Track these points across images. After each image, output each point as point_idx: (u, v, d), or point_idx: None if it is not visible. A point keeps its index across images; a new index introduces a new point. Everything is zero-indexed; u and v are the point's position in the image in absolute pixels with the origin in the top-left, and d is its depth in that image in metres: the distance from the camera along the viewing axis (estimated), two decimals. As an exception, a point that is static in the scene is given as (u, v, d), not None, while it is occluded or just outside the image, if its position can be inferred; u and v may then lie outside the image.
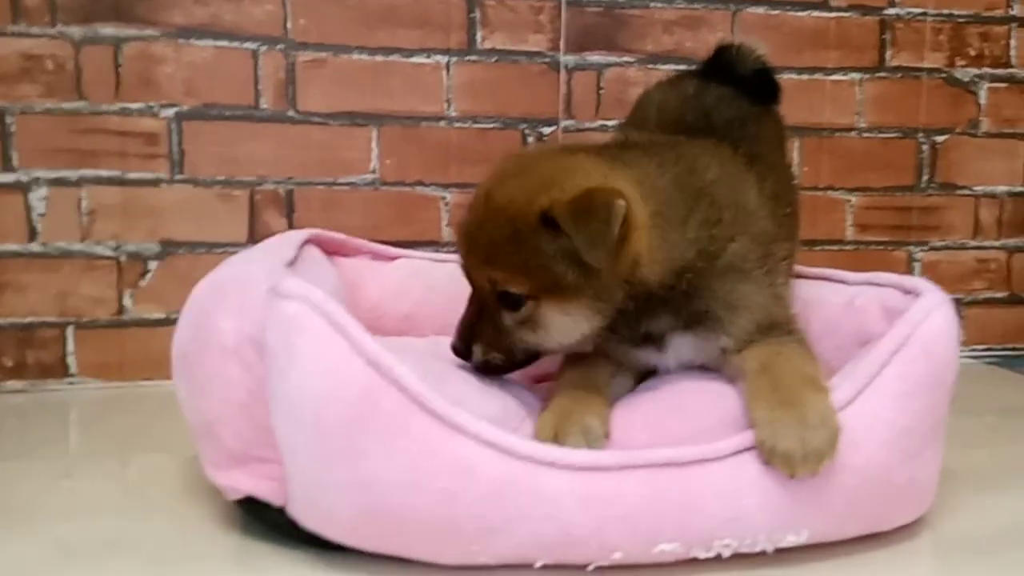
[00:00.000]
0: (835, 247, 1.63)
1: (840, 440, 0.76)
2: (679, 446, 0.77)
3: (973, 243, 1.68)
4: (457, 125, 1.48)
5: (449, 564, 0.75)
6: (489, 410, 0.86)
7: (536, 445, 0.75)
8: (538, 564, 0.74)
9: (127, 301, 1.40)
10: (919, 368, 0.83)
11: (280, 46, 1.42)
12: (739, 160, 1.00)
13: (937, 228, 1.66)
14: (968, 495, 0.97)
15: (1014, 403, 1.44)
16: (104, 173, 1.38)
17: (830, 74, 1.59)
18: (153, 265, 1.40)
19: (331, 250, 1.14)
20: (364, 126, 1.45)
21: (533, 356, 0.90)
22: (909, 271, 1.65)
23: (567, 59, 1.51)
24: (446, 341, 1.22)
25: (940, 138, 1.65)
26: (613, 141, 1.01)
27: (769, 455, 0.75)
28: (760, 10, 1.55)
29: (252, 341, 0.79)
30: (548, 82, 1.50)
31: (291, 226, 1.43)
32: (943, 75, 1.63)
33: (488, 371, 0.91)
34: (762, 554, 0.77)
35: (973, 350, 1.68)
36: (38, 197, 1.36)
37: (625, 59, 1.52)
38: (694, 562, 0.76)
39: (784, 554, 0.78)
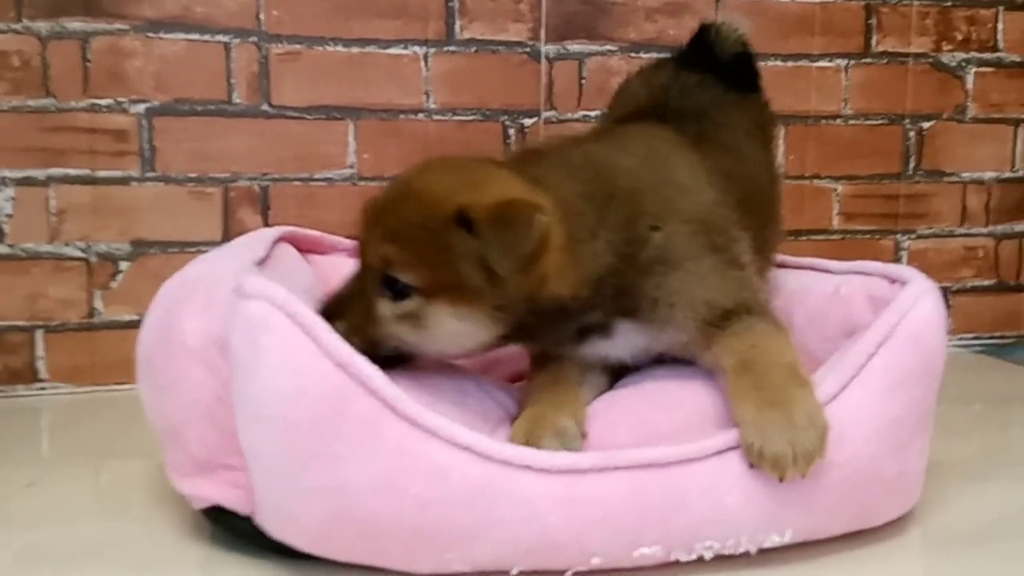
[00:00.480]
0: (821, 237, 1.61)
1: (829, 438, 0.74)
2: (661, 444, 0.75)
3: (961, 230, 1.66)
4: (436, 118, 1.45)
5: (423, 572, 0.72)
6: (466, 412, 0.83)
7: (513, 448, 0.73)
8: (515, 571, 0.72)
9: (98, 303, 1.37)
10: (906, 358, 0.81)
11: (253, 38, 1.38)
12: (679, 140, 0.94)
13: (924, 215, 1.65)
14: (957, 487, 0.95)
15: (1003, 391, 1.43)
16: (73, 172, 1.35)
17: (815, 60, 1.57)
18: (124, 266, 1.37)
19: (306, 248, 1.11)
20: (340, 120, 1.42)
21: (403, 357, 0.82)
22: (896, 260, 1.63)
23: (548, 49, 1.48)
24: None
25: (927, 124, 1.63)
26: (524, 152, 0.93)
27: (757, 458, 0.73)
28: (744, -4, 1.53)
29: (217, 343, 0.76)
30: (529, 72, 1.48)
31: (267, 223, 1.40)
32: (930, 60, 1.61)
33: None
34: (745, 555, 0.75)
35: (961, 338, 1.67)
36: (5, 197, 1.33)
37: (607, 48, 1.50)
38: (675, 565, 0.74)
39: (768, 554, 0.76)
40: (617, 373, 0.92)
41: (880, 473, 0.79)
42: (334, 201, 1.42)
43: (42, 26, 1.32)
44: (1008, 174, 1.67)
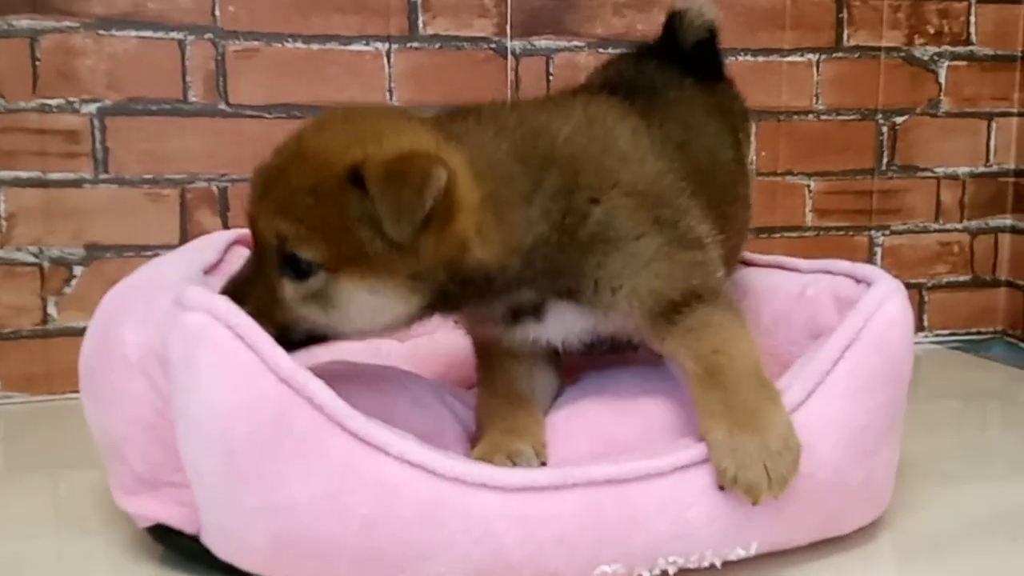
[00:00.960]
0: (795, 234, 1.59)
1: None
2: (622, 455, 0.73)
3: (935, 226, 1.65)
4: (400, 115, 1.42)
5: (374, 594, 0.69)
6: (424, 425, 0.81)
7: (466, 464, 0.70)
8: (468, 592, 0.69)
9: (52, 309, 1.33)
10: (872, 362, 0.79)
11: (208, 35, 1.34)
12: (625, 108, 0.87)
13: (898, 211, 1.63)
14: (930, 488, 0.94)
15: (978, 388, 1.42)
16: (23, 174, 1.30)
17: (786, 55, 1.54)
18: (79, 271, 1.33)
19: (262, 251, 1.08)
20: (301, 118, 1.37)
21: (317, 339, 0.74)
22: (870, 256, 1.62)
23: (514, 44, 1.45)
24: (387, 344, 1.18)
25: (900, 119, 1.61)
26: (455, 109, 0.83)
27: (731, 483, 0.70)
28: (713, -10, 1.50)
29: (159, 356, 0.73)
30: (495, 69, 1.44)
31: (226, 225, 1.36)
32: (902, 54, 1.60)
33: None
34: (711, 568, 0.73)
35: (936, 335, 1.66)
36: (-48, 201, 1.28)
37: (575, 43, 1.47)
38: (638, 582, 0.71)
39: (734, 565, 0.74)
40: (567, 364, 0.88)
41: (846, 481, 0.77)
42: (296, 202, 1.38)
43: (-11, 24, 1.27)
44: (982, 168, 1.66)
